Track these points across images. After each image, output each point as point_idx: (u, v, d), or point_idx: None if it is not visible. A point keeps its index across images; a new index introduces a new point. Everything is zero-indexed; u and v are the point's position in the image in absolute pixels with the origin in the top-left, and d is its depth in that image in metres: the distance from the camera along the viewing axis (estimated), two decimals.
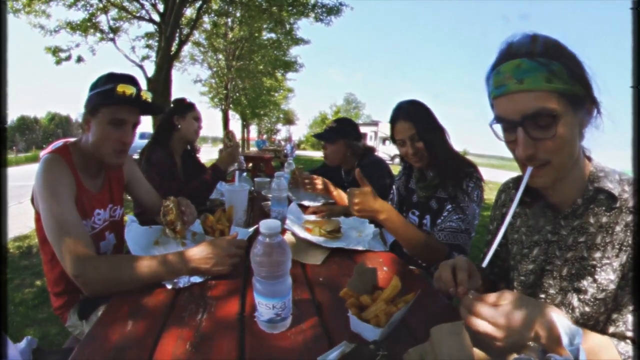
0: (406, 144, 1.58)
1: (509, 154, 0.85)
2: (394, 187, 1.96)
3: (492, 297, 0.70)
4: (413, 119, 1.56)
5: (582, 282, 0.83)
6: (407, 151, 1.60)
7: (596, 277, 0.80)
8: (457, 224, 1.43)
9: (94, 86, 1.30)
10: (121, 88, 1.25)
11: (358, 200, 1.27)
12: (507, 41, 0.79)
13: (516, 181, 1.04)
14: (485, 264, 0.75)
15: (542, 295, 0.91)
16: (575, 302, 0.83)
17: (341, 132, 2.40)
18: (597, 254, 0.81)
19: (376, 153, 2.49)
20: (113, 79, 1.28)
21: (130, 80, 1.31)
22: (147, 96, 1.32)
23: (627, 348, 0.71)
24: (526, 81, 0.73)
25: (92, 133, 1.29)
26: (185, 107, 2.32)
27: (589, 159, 0.88)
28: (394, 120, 1.61)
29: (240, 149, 2.36)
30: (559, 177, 0.81)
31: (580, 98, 0.75)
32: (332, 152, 2.44)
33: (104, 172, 1.44)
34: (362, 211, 1.28)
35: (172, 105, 2.37)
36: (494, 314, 0.67)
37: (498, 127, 0.82)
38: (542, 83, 0.72)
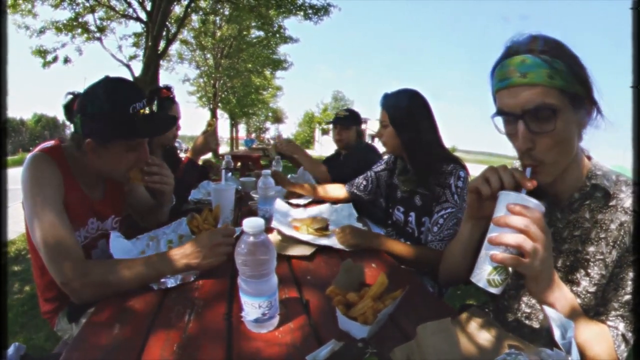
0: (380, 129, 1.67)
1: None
2: (370, 173, 1.96)
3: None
4: (387, 106, 1.62)
5: (575, 274, 0.86)
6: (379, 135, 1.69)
7: (589, 270, 0.84)
8: (454, 230, 1.43)
9: (95, 104, 1.13)
10: (140, 115, 1.16)
11: (338, 239, 1.39)
12: (512, 39, 0.80)
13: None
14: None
15: None
16: None
17: (355, 119, 2.82)
18: (591, 248, 0.84)
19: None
20: (123, 99, 1.14)
21: (139, 95, 1.18)
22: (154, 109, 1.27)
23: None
24: (529, 75, 0.74)
25: (102, 159, 1.19)
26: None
27: (589, 158, 0.90)
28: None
29: (217, 135, 2.30)
30: (556, 175, 0.83)
31: (580, 98, 0.77)
32: (347, 137, 2.83)
33: (103, 180, 1.36)
34: (349, 247, 1.38)
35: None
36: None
37: (499, 121, 0.84)
38: (544, 79, 0.74)
